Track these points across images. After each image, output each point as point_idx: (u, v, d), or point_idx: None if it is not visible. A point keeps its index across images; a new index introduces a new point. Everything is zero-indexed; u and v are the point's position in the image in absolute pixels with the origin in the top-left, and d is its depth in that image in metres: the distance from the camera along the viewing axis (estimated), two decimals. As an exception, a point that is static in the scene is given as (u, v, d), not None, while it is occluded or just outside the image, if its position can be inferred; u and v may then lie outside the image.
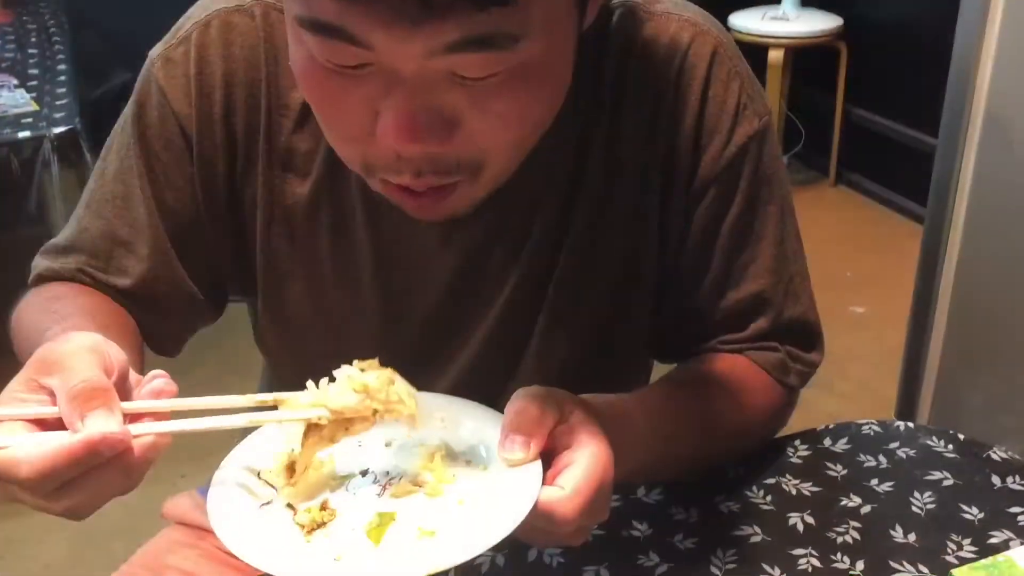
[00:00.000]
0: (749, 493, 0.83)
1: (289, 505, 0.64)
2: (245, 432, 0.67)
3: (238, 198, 0.83)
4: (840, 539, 0.78)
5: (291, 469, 0.65)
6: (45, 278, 0.85)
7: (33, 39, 2.67)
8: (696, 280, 0.85)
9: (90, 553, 1.97)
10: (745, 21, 3.39)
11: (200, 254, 0.83)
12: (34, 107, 2.15)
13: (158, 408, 0.59)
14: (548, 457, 0.64)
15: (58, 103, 2.19)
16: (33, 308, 0.81)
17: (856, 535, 0.78)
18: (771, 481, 0.84)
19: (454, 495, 0.65)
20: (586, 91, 0.78)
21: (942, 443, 0.88)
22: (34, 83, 2.32)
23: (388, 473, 0.67)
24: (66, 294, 0.81)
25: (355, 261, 0.69)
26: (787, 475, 0.85)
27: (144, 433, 0.56)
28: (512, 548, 0.77)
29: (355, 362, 0.64)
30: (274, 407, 0.63)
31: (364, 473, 0.68)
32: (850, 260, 3.08)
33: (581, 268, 0.82)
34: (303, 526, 0.63)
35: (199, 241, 0.83)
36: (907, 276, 1.87)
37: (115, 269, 0.82)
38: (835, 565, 0.75)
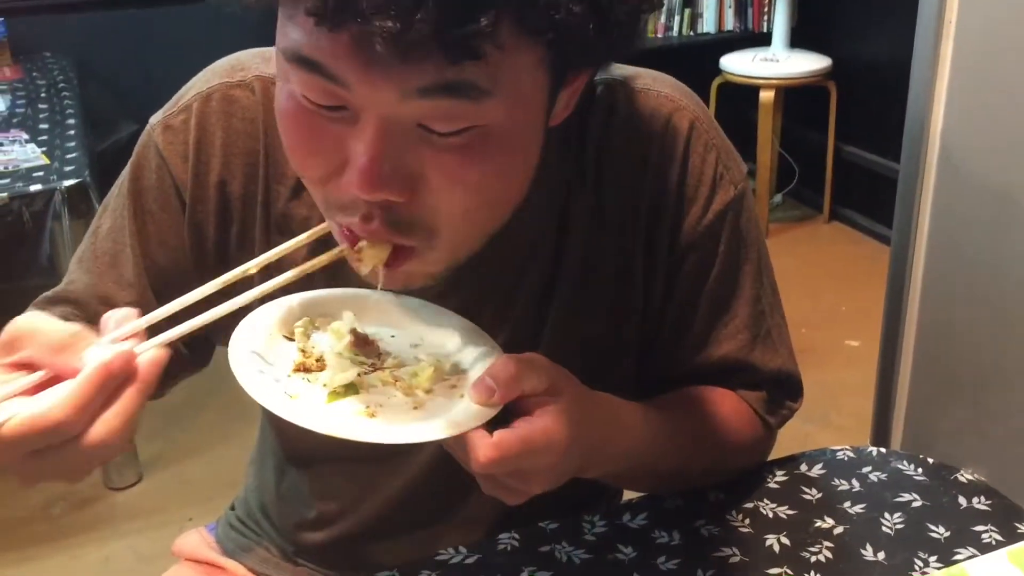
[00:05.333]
0: (729, 517, 0.87)
1: (302, 351, 0.70)
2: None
3: (229, 261, 0.85)
4: (813, 558, 0.82)
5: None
6: None
7: (43, 94, 2.73)
8: (677, 341, 0.89)
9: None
10: (736, 63, 3.48)
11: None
12: (44, 161, 2.19)
13: (138, 327, 0.62)
14: (519, 416, 0.68)
15: (68, 156, 2.23)
16: None
17: (829, 554, 0.82)
18: (749, 505, 0.89)
19: (416, 400, 0.69)
20: (569, 160, 0.83)
21: (912, 467, 0.93)
22: (44, 137, 2.37)
23: (387, 359, 0.72)
24: None
25: None
26: (765, 499, 0.89)
27: (145, 350, 0.60)
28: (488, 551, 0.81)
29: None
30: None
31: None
32: (845, 295, 3.13)
33: (566, 333, 0.86)
34: (292, 362, 0.69)
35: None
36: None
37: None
38: (808, 582, 0.80)
